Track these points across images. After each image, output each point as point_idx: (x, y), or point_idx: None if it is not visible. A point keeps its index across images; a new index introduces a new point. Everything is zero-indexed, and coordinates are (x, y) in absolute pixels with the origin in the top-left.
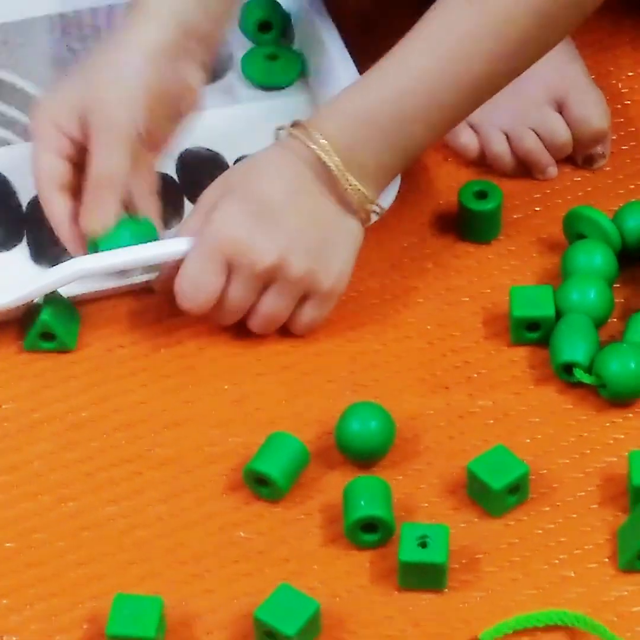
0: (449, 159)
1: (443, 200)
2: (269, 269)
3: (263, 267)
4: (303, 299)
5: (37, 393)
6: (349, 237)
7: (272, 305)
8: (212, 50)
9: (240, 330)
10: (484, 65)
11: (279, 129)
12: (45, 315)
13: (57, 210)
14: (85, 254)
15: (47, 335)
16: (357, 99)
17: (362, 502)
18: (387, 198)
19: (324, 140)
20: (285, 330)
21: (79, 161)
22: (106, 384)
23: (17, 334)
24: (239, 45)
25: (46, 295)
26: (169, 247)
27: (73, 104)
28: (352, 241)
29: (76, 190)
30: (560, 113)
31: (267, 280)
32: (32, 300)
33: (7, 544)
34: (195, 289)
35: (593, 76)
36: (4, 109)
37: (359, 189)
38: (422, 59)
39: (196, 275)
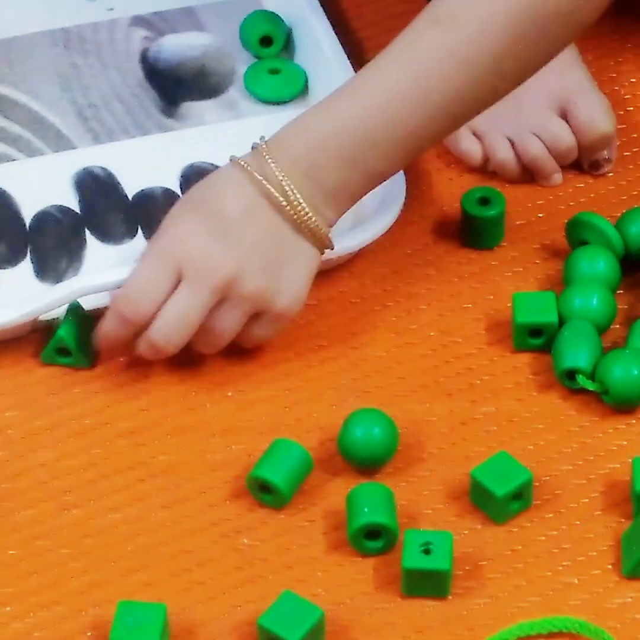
0: (452, 165)
1: (446, 207)
2: (222, 282)
3: (217, 278)
4: (254, 316)
5: (40, 400)
6: (304, 259)
7: (223, 321)
8: None
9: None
10: (451, 86)
11: (253, 146)
12: (62, 331)
13: None
14: None
15: (64, 351)
16: (320, 118)
17: (366, 509)
18: (392, 211)
19: (277, 169)
20: (287, 341)
21: None
22: (109, 391)
23: (35, 345)
24: (242, 59)
25: (68, 310)
26: None
27: None
28: (307, 264)
29: None
30: (565, 119)
31: (218, 294)
32: (37, 318)
33: (10, 551)
34: (140, 292)
35: (595, 82)
36: (6, 124)
37: (312, 218)
38: (387, 79)
39: (144, 279)
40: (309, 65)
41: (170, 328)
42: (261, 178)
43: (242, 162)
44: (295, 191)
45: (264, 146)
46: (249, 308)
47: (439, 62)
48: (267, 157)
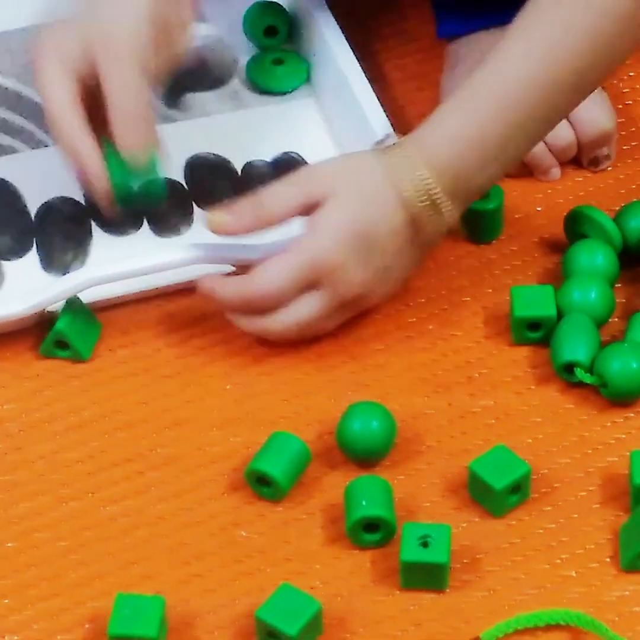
0: None
1: None
2: (352, 299)
3: (348, 297)
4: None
5: (38, 393)
6: (414, 265)
7: (329, 323)
8: None
9: (241, 332)
10: (585, 61)
11: (380, 142)
12: (60, 324)
13: (88, 142)
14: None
15: (62, 344)
16: (464, 121)
17: (364, 502)
18: None
19: (432, 187)
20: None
21: (87, 96)
22: (107, 384)
23: (34, 337)
24: (244, 50)
25: (66, 303)
26: (179, 255)
27: (78, 38)
28: (411, 270)
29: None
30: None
31: (342, 305)
32: (44, 310)
33: (9, 544)
34: (277, 292)
35: None
36: (9, 117)
37: (454, 217)
38: (523, 66)
39: (284, 281)
40: (312, 56)
41: (290, 327)
42: (414, 204)
43: (394, 176)
44: (443, 205)
45: (409, 154)
46: (356, 312)
47: (568, 38)
48: (418, 173)
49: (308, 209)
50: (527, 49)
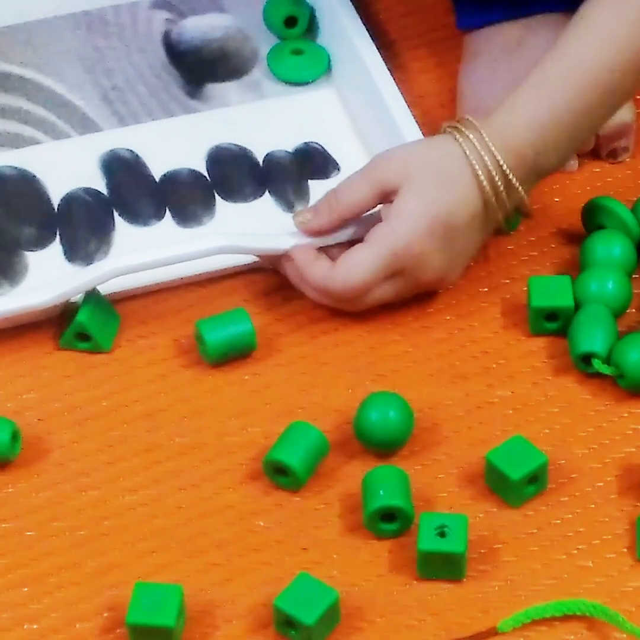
0: None
1: None
2: (429, 283)
3: (427, 282)
4: None
5: (58, 383)
6: (481, 246)
7: (400, 298)
8: None
9: (259, 322)
10: None
11: (452, 127)
12: (82, 316)
13: None
14: None
15: (83, 336)
16: (540, 104)
17: (381, 492)
18: None
19: (509, 172)
20: (303, 325)
21: None
22: (126, 374)
23: (53, 327)
24: (264, 40)
25: (86, 295)
26: (202, 245)
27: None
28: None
29: None
30: None
31: (416, 289)
32: (69, 300)
33: (28, 533)
34: (361, 285)
35: None
36: (31, 108)
37: (523, 197)
38: (601, 50)
39: (368, 275)
40: (332, 46)
41: (365, 306)
42: (489, 188)
43: (471, 159)
44: (519, 186)
45: (486, 138)
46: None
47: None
48: (496, 155)
49: (384, 198)
50: (599, 34)
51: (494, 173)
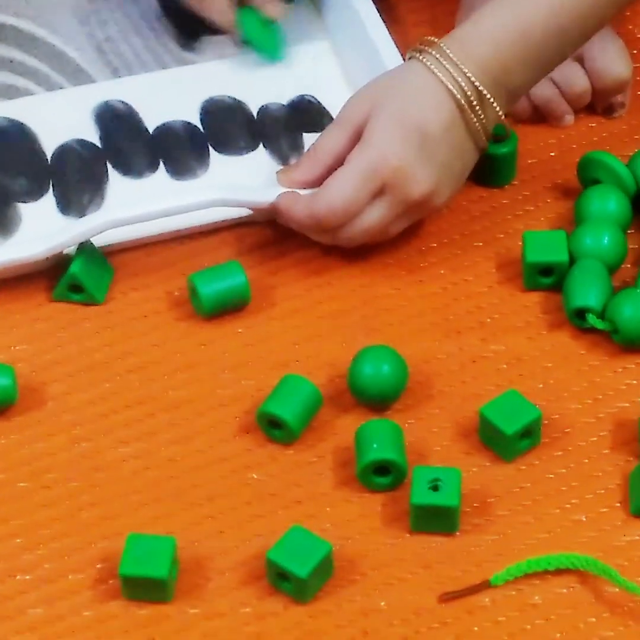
0: None
1: None
2: (419, 200)
3: (415, 198)
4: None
5: (50, 335)
6: (472, 165)
7: (396, 227)
8: None
9: (253, 275)
10: None
11: (414, 50)
12: (75, 268)
13: None
14: None
15: (76, 288)
16: (507, 20)
17: (375, 445)
18: None
19: (474, 78)
20: (297, 278)
21: None
22: (119, 326)
23: (46, 279)
24: None
25: (79, 247)
26: (196, 198)
27: None
28: (471, 168)
29: None
30: (581, 62)
31: (409, 208)
32: (62, 252)
33: (20, 484)
34: (345, 205)
35: (611, 26)
36: (24, 59)
37: (499, 114)
38: None
39: (350, 192)
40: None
41: (359, 234)
42: (459, 95)
43: (435, 71)
44: (491, 98)
45: (447, 50)
46: (426, 214)
47: None
48: (459, 64)
49: (360, 134)
50: None
51: (460, 81)
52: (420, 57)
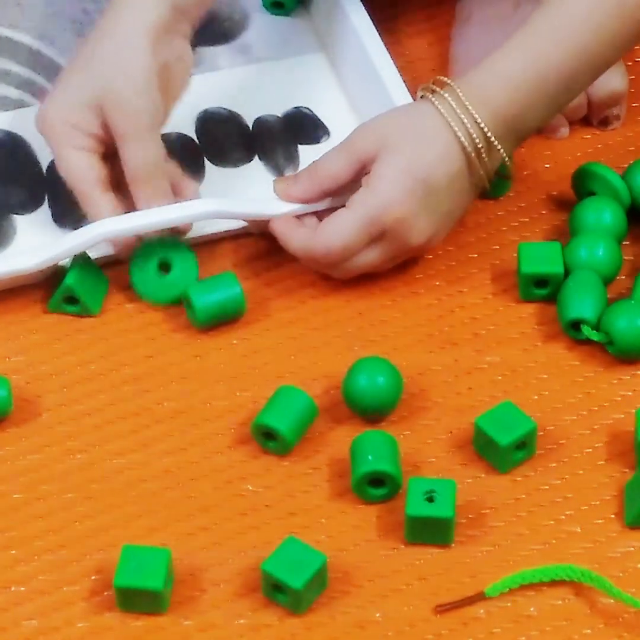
0: None
1: None
2: (416, 247)
3: (413, 245)
4: None
5: (46, 346)
6: (467, 208)
7: (388, 265)
8: (195, 25)
9: (248, 286)
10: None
11: (426, 88)
12: (70, 279)
13: (107, 209)
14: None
15: (71, 299)
16: (524, 65)
17: (370, 457)
18: None
19: (485, 127)
20: (292, 289)
21: (104, 155)
22: (114, 338)
23: (41, 290)
24: (255, 3)
25: (74, 258)
26: (191, 209)
27: (86, 99)
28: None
29: (112, 184)
30: None
31: (406, 252)
32: (57, 263)
33: (15, 495)
34: (343, 247)
35: None
36: (19, 70)
37: (504, 158)
38: (589, 14)
39: (349, 236)
40: (323, 10)
41: (352, 272)
42: (468, 144)
43: (447, 117)
44: (499, 146)
45: (462, 96)
46: (416, 256)
47: None
48: (473, 112)
49: (363, 168)
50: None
51: (471, 129)
52: (433, 99)
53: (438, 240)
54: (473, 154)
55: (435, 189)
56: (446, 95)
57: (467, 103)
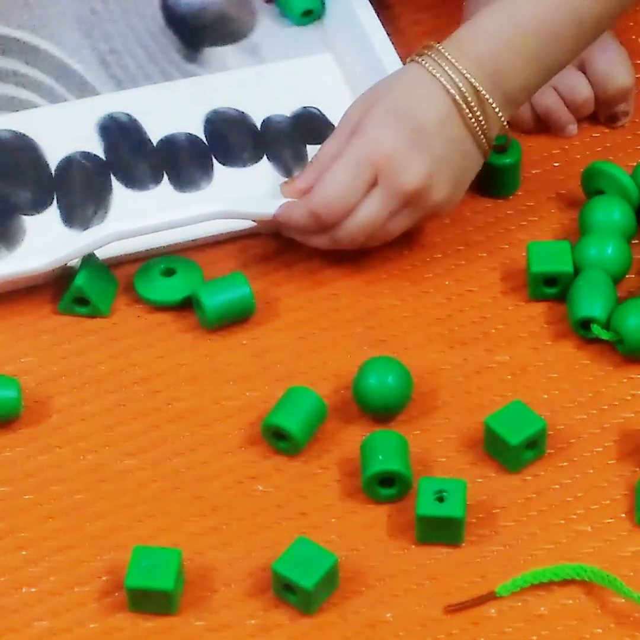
0: None
1: None
2: (414, 191)
3: (409, 189)
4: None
5: (56, 347)
6: (475, 169)
7: (398, 224)
8: None
9: (257, 286)
10: None
11: (414, 54)
12: (80, 280)
13: None
14: None
15: (82, 300)
16: (501, 20)
17: (380, 457)
18: None
19: (468, 74)
20: (301, 289)
21: None
22: (124, 338)
23: (51, 291)
24: (264, 4)
25: (83, 259)
26: (200, 210)
27: None
28: (475, 172)
29: None
30: (583, 71)
31: (406, 201)
32: (66, 264)
33: (26, 496)
34: (340, 195)
35: (614, 34)
36: (28, 71)
37: (499, 116)
38: None
39: (344, 183)
40: (330, 8)
41: (357, 231)
42: (453, 90)
43: (430, 68)
44: (488, 98)
45: (443, 50)
46: (426, 214)
47: None
48: (454, 62)
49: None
50: None
51: (455, 78)
52: (419, 60)
53: (440, 191)
54: (460, 100)
55: (425, 129)
56: (428, 52)
57: (449, 56)
